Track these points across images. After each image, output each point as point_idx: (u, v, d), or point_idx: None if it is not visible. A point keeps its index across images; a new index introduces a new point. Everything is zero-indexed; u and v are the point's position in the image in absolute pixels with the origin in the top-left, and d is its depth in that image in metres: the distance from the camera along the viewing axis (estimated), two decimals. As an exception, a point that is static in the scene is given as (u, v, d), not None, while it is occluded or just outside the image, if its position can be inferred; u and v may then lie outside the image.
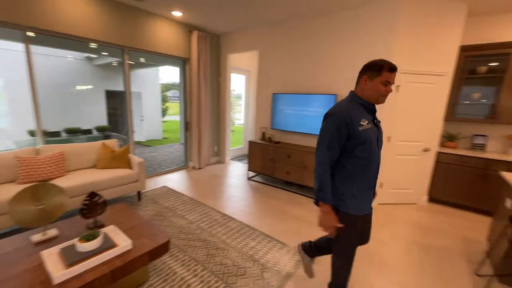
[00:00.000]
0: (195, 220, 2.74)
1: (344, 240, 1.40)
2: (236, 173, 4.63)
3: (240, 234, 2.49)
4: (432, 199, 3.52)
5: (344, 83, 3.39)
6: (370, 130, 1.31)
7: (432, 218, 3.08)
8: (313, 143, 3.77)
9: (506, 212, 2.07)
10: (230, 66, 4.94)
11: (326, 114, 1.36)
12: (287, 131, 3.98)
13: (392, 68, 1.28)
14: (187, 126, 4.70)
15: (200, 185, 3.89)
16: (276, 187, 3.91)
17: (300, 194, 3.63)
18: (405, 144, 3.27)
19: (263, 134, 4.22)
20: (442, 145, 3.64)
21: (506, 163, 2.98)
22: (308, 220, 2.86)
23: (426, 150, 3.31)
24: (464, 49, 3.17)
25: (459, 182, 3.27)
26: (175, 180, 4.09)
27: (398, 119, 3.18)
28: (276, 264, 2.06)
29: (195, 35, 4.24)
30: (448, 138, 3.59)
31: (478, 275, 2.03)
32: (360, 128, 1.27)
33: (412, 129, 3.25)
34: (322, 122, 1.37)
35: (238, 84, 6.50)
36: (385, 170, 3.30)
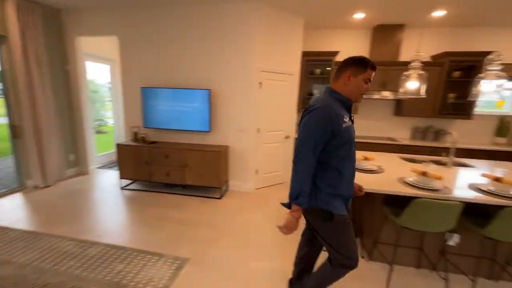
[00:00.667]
0: (30, 262, 2.00)
1: (342, 242, 1.33)
2: (105, 184, 3.84)
3: (103, 261, 2.05)
4: (295, 176, 4.30)
5: (217, 78, 3.45)
6: (350, 127, 1.28)
7: (295, 192, 3.75)
8: (192, 139, 3.66)
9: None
10: (82, 52, 3.93)
11: (308, 109, 1.27)
12: (163, 129, 3.66)
13: (374, 66, 1.27)
14: (14, 131, 3.37)
15: (47, 210, 2.93)
16: (157, 191, 3.55)
17: (184, 195, 3.46)
18: (271, 133, 3.76)
19: (135, 134, 3.68)
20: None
21: (336, 142, 4.04)
22: (192, 221, 2.76)
23: (287, 137, 3.96)
24: (305, 54, 3.95)
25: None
26: (1, 210, 2.87)
27: (264, 112, 3.59)
28: (149, 282, 1.83)
29: (12, 4, 3.03)
30: (302, 126, 4.47)
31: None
32: (344, 125, 1.21)
33: (275, 120, 3.77)
34: (303, 118, 1.28)
35: (103, 75, 5.34)
36: (259, 158, 3.69)
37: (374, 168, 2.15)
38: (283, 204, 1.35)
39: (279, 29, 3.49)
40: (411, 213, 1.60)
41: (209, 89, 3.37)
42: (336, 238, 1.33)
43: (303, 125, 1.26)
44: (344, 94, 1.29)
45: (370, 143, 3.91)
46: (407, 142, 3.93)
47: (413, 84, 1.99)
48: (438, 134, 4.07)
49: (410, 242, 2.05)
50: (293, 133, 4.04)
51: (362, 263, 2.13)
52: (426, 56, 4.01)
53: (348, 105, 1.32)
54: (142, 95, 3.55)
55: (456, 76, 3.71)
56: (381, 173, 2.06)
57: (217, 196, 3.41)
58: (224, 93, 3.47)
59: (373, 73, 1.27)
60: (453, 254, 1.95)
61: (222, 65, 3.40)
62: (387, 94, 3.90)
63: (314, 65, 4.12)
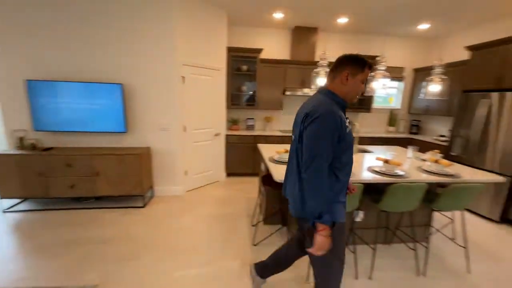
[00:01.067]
0: None
1: (338, 248, 1.25)
2: (-23, 207, 2.90)
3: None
4: (229, 174, 4.25)
5: (131, 71, 3.02)
6: (351, 131, 1.21)
7: (229, 189, 3.71)
8: (104, 142, 3.13)
9: (261, 174, 2.85)
10: None
11: (309, 115, 1.13)
12: (63, 131, 2.99)
13: (371, 65, 1.21)
14: None
15: None
16: (58, 209, 2.89)
17: (98, 208, 2.94)
18: (199, 131, 3.58)
19: (21, 140, 2.88)
20: (230, 128, 4.44)
21: (265, 137, 4.17)
22: (106, 239, 2.34)
23: (217, 134, 3.86)
24: (230, 49, 3.91)
25: (243, 156, 4.16)
26: None
27: (190, 109, 3.38)
28: (39, 326, 1.44)
29: None
30: (232, 123, 4.44)
31: (253, 225, 2.67)
32: (347, 129, 1.14)
33: (203, 118, 3.61)
34: (308, 127, 1.13)
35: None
36: (187, 158, 3.47)
37: (295, 159, 2.28)
38: (309, 229, 1.20)
39: (202, 22, 3.33)
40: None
41: (121, 83, 2.93)
42: (334, 246, 1.23)
43: (312, 136, 1.12)
44: (340, 95, 1.23)
45: (295, 136, 4.20)
46: (325, 134, 4.40)
47: (322, 81, 2.20)
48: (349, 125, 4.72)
49: (327, 224, 2.27)
50: (223, 130, 3.97)
51: (289, 250, 2.25)
52: (336, 57, 4.56)
53: (344, 107, 1.24)
54: (28, 90, 2.80)
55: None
56: (301, 164, 2.20)
57: (140, 205, 3.03)
58: (141, 88, 3.09)
59: (369, 73, 1.23)
60: (359, 229, 2.26)
61: (136, 57, 2.99)
62: (307, 91, 4.26)
63: (240, 61, 4.13)
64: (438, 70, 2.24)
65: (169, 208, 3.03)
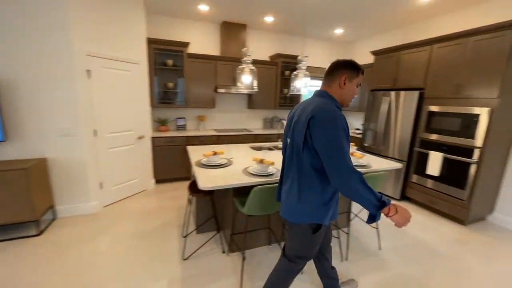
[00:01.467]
0: None
1: (312, 248, 1.35)
2: None
3: None
4: (158, 180, 3.83)
5: (8, 61, 2.30)
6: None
7: (158, 198, 3.31)
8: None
9: (192, 178, 2.62)
10: None
11: (321, 119, 1.11)
12: None
13: (363, 71, 1.27)
14: None
15: None
16: None
17: (-38, 246, 2.15)
18: (116, 135, 3.06)
19: None
20: (158, 129, 4.00)
21: (199, 137, 3.91)
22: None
23: (140, 137, 3.39)
24: (152, 41, 3.48)
25: (174, 159, 3.80)
26: None
27: (102, 109, 2.84)
28: None
29: None
30: (160, 123, 4.00)
31: (184, 236, 2.42)
32: (350, 131, 1.21)
33: (121, 119, 3.10)
34: (320, 130, 1.11)
35: None
36: (102, 168, 2.92)
37: (224, 161, 2.15)
38: (370, 220, 1.15)
39: (112, 7, 2.81)
40: (252, 201, 1.68)
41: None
42: (311, 248, 1.34)
43: (331, 139, 1.09)
44: (337, 98, 1.25)
45: (231, 135, 4.09)
46: (260, 131, 4.44)
47: (246, 78, 2.13)
48: (282, 122, 4.92)
49: (261, 225, 2.24)
50: (149, 132, 3.52)
51: (223, 257, 2.12)
52: (265, 56, 4.66)
53: (340, 110, 1.25)
54: None
55: (288, 74, 4.54)
56: (230, 166, 2.09)
57: (34, 233, 2.37)
58: (28, 83, 2.40)
59: (362, 77, 1.29)
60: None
61: (14, 42, 2.30)
62: (242, 89, 4.19)
63: (165, 55, 3.74)
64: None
65: (78, 231, 2.48)
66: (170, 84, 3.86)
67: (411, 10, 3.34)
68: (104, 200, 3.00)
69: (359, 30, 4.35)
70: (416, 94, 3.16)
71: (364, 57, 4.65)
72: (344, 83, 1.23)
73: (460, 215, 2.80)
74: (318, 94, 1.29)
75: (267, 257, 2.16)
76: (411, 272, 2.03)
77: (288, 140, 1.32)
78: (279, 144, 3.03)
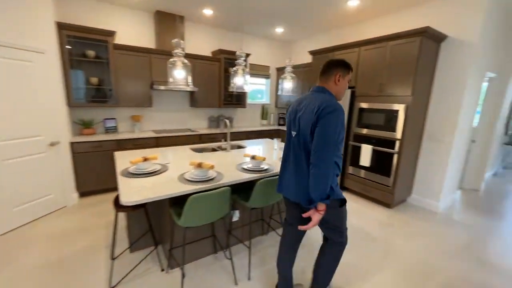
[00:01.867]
0: None
1: (344, 219, 1.51)
2: None
3: None
4: (84, 193, 3.24)
5: None
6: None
7: (81, 215, 2.78)
8: None
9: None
10: None
11: (327, 109, 1.24)
12: None
13: (352, 69, 1.45)
14: None
15: None
16: None
17: None
18: (15, 143, 2.42)
19: None
20: (80, 133, 3.37)
21: (133, 140, 3.44)
22: None
23: (53, 144, 2.78)
24: (62, 26, 2.87)
25: (102, 167, 3.25)
26: None
27: (-10, 110, 2.19)
28: None
29: None
30: (83, 125, 3.38)
31: (113, 258, 2.06)
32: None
33: (21, 122, 2.46)
34: (324, 118, 1.24)
35: None
36: (-5, 186, 2.27)
37: (157, 168, 1.89)
38: (308, 203, 1.34)
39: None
40: (189, 211, 1.50)
41: None
42: (343, 219, 1.49)
43: (328, 126, 1.23)
44: (333, 93, 1.39)
45: (172, 136, 3.75)
46: (204, 131, 4.20)
47: (179, 73, 1.90)
48: (229, 121, 4.77)
49: (204, 234, 2.06)
50: (66, 136, 2.92)
51: (162, 276, 1.88)
52: (207, 51, 4.42)
53: None
54: None
55: (231, 71, 4.41)
56: (164, 173, 1.85)
57: None
58: None
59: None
60: (236, 228, 2.21)
61: None
62: (183, 86, 3.85)
63: (84, 44, 3.15)
64: (288, 69, 2.48)
65: (-44, 272, 1.86)
66: (94, 80, 3.28)
67: (343, 14, 3.59)
68: (5, 225, 2.35)
69: (298, 30, 4.51)
70: (348, 92, 3.42)
71: (303, 57, 4.85)
72: (339, 80, 1.39)
73: (387, 200, 3.15)
74: (319, 90, 1.41)
75: (214, 267, 2.00)
76: (349, 259, 2.15)
77: (294, 133, 1.42)
78: (224, 144, 2.88)
